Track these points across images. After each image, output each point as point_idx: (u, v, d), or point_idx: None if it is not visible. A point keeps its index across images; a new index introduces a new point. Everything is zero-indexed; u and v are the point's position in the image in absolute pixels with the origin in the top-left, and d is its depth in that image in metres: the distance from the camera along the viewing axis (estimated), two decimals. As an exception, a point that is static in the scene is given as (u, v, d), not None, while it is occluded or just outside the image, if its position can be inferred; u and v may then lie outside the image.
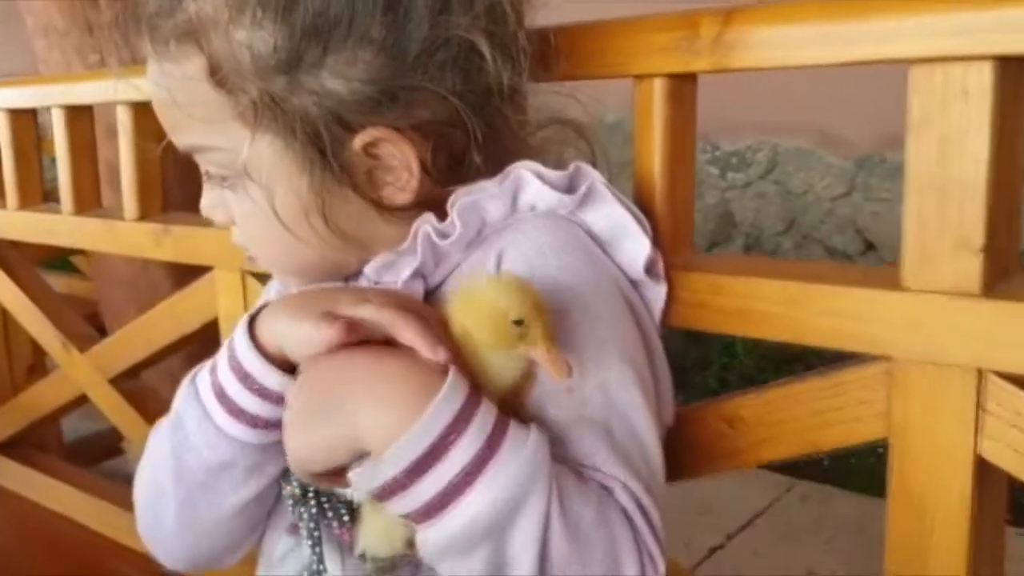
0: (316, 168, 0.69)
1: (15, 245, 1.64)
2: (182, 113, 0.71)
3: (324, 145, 0.68)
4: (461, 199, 0.70)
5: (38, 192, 1.55)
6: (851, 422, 0.71)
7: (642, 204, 0.79)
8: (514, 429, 0.59)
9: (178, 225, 1.26)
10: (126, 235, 1.34)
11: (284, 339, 0.67)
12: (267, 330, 0.68)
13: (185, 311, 1.29)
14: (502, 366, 0.62)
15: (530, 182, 0.71)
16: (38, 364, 2.05)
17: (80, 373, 1.50)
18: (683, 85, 0.78)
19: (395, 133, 0.69)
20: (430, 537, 0.59)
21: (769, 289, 0.73)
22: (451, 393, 0.58)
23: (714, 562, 2.29)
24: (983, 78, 0.62)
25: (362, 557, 0.69)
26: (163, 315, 1.34)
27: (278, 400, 0.68)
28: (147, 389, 1.51)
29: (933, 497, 0.68)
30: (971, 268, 0.64)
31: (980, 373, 0.64)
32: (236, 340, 0.69)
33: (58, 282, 2.94)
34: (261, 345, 0.68)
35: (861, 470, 2.65)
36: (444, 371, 0.59)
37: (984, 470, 0.66)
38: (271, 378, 0.67)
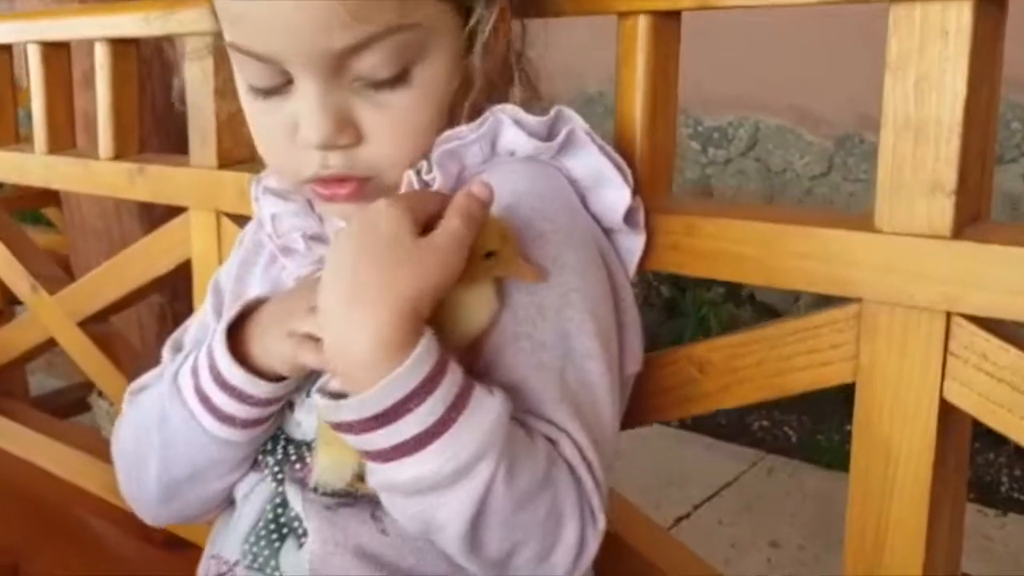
0: (476, 38, 0.69)
1: (-14, 186, 1.62)
2: None
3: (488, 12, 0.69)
4: (440, 147, 0.69)
5: (11, 131, 1.53)
6: (820, 366, 0.72)
7: (622, 144, 0.79)
8: (477, 398, 0.58)
9: (153, 165, 1.25)
10: (100, 174, 1.32)
11: (274, 359, 0.68)
12: (258, 346, 0.69)
13: (158, 251, 1.27)
14: (475, 308, 0.62)
15: (508, 127, 0.70)
16: (6, 310, 2.03)
17: (49, 316, 1.48)
18: (667, 23, 0.77)
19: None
20: (375, 473, 0.61)
21: (743, 231, 0.73)
22: (419, 360, 0.57)
23: (679, 530, 2.31)
24: (962, 18, 0.62)
25: (315, 490, 0.70)
26: (135, 256, 1.32)
27: (268, 403, 0.69)
28: (116, 333, 1.49)
29: (897, 439, 0.68)
30: (944, 210, 0.64)
31: (948, 316, 0.65)
32: (216, 353, 0.69)
33: (29, 234, 2.91)
34: (247, 355, 0.69)
35: (828, 447, 2.68)
36: (420, 332, 0.58)
37: (948, 412, 0.67)
38: (259, 387, 0.68)
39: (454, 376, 0.58)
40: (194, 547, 1.28)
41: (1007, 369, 0.63)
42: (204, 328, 0.84)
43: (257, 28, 0.66)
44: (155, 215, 2.14)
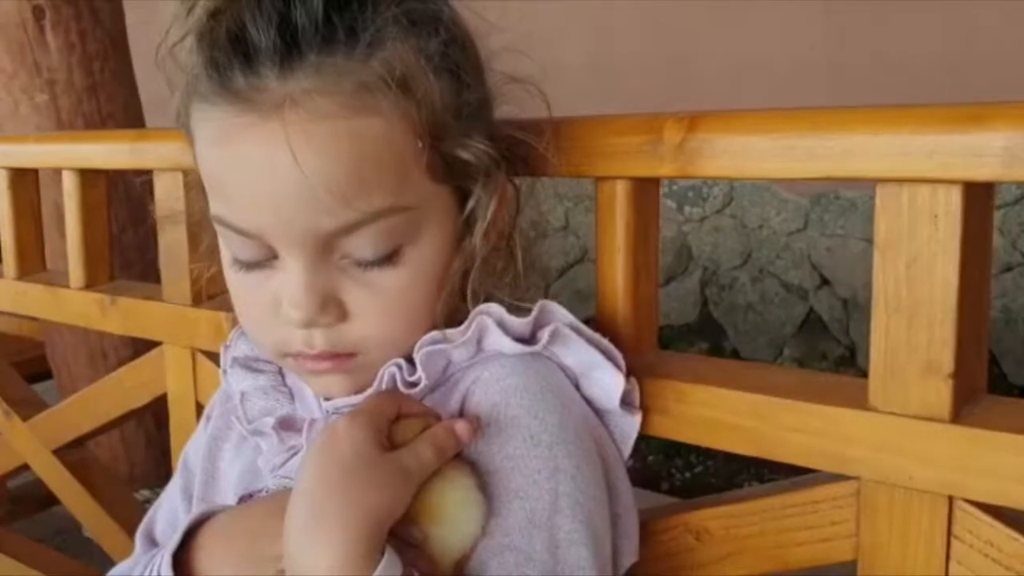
0: (475, 223, 0.69)
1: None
2: (372, 174, 0.62)
3: (487, 198, 0.69)
4: (424, 348, 0.67)
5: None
6: (820, 542, 0.69)
7: (605, 306, 0.77)
8: None
9: (125, 297, 1.22)
10: (71, 304, 1.29)
11: None
12: (216, 567, 0.67)
13: (134, 385, 1.24)
14: (463, 509, 0.61)
15: (493, 330, 0.68)
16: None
17: (22, 442, 1.45)
18: (646, 187, 0.76)
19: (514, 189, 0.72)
20: None
21: (735, 401, 0.71)
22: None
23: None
24: (951, 202, 0.61)
25: None
26: (110, 388, 1.29)
27: None
28: (93, 459, 1.45)
29: (902, 621, 0.66)
30: (940, 393, 0.63)
31: (951, 500, 0.63)
32: None
33: (5, 321, 2.86)
34: (199, 571, 0.67)
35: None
36: (381, 549, 0.57)
37: (954, 596, 0.65)
38: None
39: None
40: None
41: (1015, 558, 0.61)
42: (174, 512, 0.82)
43: (244, 205, 0.64)
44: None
